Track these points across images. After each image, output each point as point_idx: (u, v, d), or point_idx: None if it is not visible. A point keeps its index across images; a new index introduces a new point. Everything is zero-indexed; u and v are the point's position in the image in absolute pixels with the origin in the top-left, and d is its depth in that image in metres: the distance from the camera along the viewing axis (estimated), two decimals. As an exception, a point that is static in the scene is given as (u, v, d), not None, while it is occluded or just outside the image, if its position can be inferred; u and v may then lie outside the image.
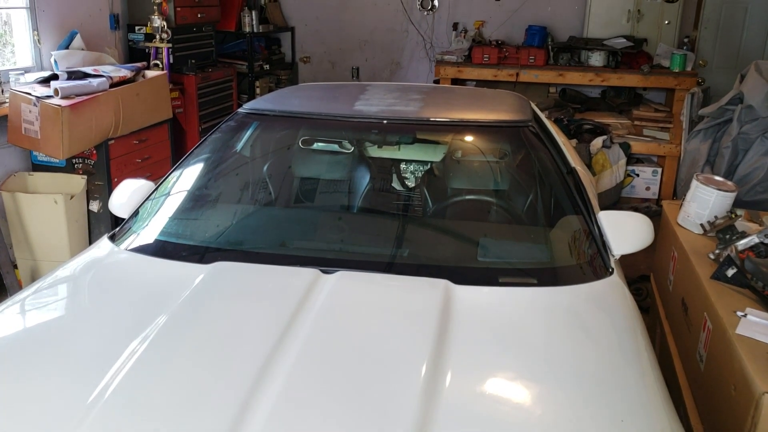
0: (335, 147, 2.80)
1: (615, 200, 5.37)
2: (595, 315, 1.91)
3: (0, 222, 3.83)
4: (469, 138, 2.69)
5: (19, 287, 3.68)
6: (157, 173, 4.42)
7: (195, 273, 1.98)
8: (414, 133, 2.72)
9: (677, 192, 5.30)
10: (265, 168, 2.75)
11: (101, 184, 4.01)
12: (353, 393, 1.49)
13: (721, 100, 3.96)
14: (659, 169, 5.57)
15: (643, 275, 3.87)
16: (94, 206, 4.02)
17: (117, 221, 3.99)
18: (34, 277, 3.87)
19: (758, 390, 1.81)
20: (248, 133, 2.72)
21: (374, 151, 2.79)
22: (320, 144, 2.81)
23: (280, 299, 1.83)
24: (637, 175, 5.60)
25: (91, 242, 4.05)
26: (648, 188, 5.64)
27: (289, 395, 1.47)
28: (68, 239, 3.84)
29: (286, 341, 1.64)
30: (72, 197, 3.82)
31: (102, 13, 4.93)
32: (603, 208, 2.58)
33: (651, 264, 3.72)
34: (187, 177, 2.54)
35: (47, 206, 3.77)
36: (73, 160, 3.97)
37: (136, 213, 2.40)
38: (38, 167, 4.04)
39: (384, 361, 1.60)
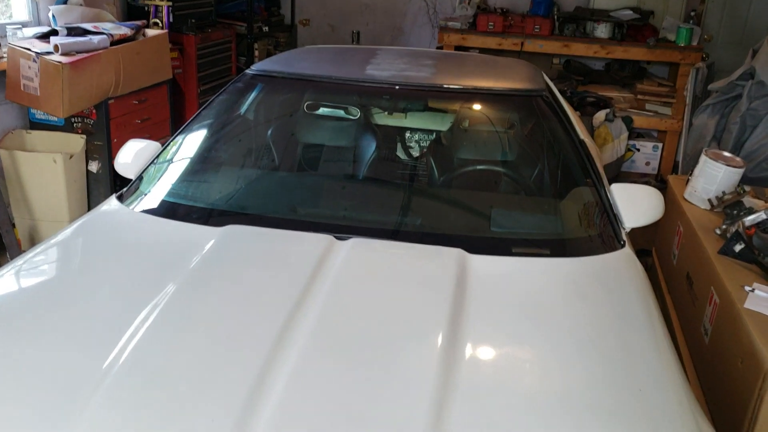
0: (343, 113, 2.75)
1: (615, 174, 5.37)
2: (609, 287, 1.91)
3: (-2, 180, 3.78)
4: (483, 106, 2.65)
5: (18, 247, 3.64)
6: (156, 135, 4.36)
7: (207, 236, 1.95)
8: (427, 99, 2.68)
9: (677, 167, 5.30)
10: (276, 131, 2.71)
11: (100, 144, 3.95)
12: (371, 361, 1.49)
13: (732, 75, 3.93)
14: (660, 145, 5.56)
15: (642, 249, 3.89)
16: (93, 166, 3.97)
17: (116, 182, 3.95)
18: (32, 237, 3.84)
19: (767, 363, 1.83)
20: (256, 95, 2.68)
21: (385, 119, 2.75)
22: (328, 110, 2.77)
23: (294, 265, 1.81)
24: (638, 150, 5.59)
25: (89, 203, 4.01)
26: (648, 163, 5.63)
27: (307, 362, 1.46)
28: (67, 199, 3.79)
29: (303, 308, 1.62)
30: (71, 157, 3.76)
31: (101, -32, 4.80)
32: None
33: (650, 238, 3.73)
34: (195, 138, 2.50)
35: (46, 165, 3.71)
36: (72, 119, 3.90)
37: (142, 173, 2.36)
38: (36, 125, 3.97)
39: (402, 329, 1.59)
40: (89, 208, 3.92)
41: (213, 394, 1.37)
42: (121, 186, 2.39)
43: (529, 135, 2.68)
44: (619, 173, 5.47)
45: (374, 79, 2.52)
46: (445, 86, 2.52)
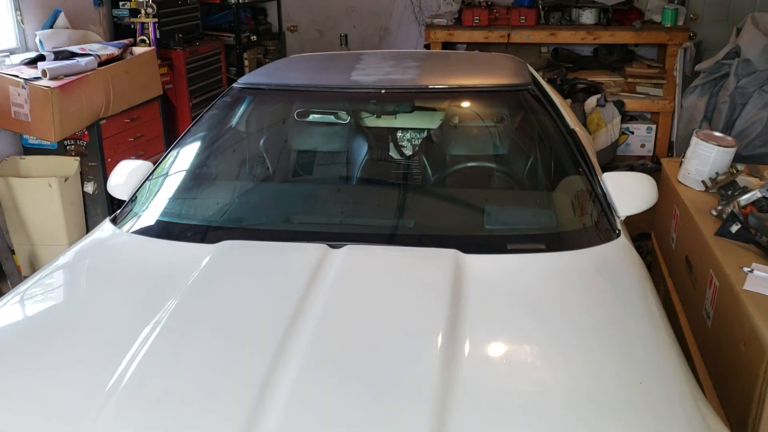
0: (333, 119, 2.76)
1: (610, 159, 5.37)
2: (606, 278, 1.91)
3: (-5, 208, 3.79)
4: (469, 104, 2.66)
5: (18, 273, 3.66)
6: (150, 151, 4.37)
7: (201, 253, 1.95)
8: (413, 101, 2.69)
9: (672, 148, 5.30)
10: (265, 143, 2.71)
11: (95, 165, 3.96)
12: (372, 367, 1.49)
13: (718, 55, 3.93)
14: (653, 126, 5.55)
15: (642, 233, 3.88)
16: (89, 188, 3.98)
17: (113, 202, 3.96)
18: (32, 262, 3.85)
19: (769, 345, 1.83)
20: (244, 108, 2.68)
21: (374, 122, 2.75)
22: (318, 116, 2.78)
23: (290, 277, 1.82)
24: (632, 133, 5.59)
25: (88, 224, 4.02)
26: (643, 145, 5.63)
27: (308, 372, 1.47)
28: (65, 222, 3.80)
29: (301, 319, 1.63)
30: (66, 180, 3.78)
31: (84, -11, 4.80)
32: (599, 167, 2.57)
33: (650, 222, 3.72)
34: (185, 156, 2.51)
35: (42, 190, 3.72)
36: (65, 142, 3.91)
37: (136, 194, 2.37)
38: (29, 150, 3.98)
39: (400, 333, 1.59)
40: (87, 230, 3.93)
41: (215, 412, 1.38)
42: (118, 206, 2.40)
43: (518, 130, 2.67)
44: (615, 157, 5.47)
45: (360, 86, 2.52)
46: (429, 87, 2.53)
